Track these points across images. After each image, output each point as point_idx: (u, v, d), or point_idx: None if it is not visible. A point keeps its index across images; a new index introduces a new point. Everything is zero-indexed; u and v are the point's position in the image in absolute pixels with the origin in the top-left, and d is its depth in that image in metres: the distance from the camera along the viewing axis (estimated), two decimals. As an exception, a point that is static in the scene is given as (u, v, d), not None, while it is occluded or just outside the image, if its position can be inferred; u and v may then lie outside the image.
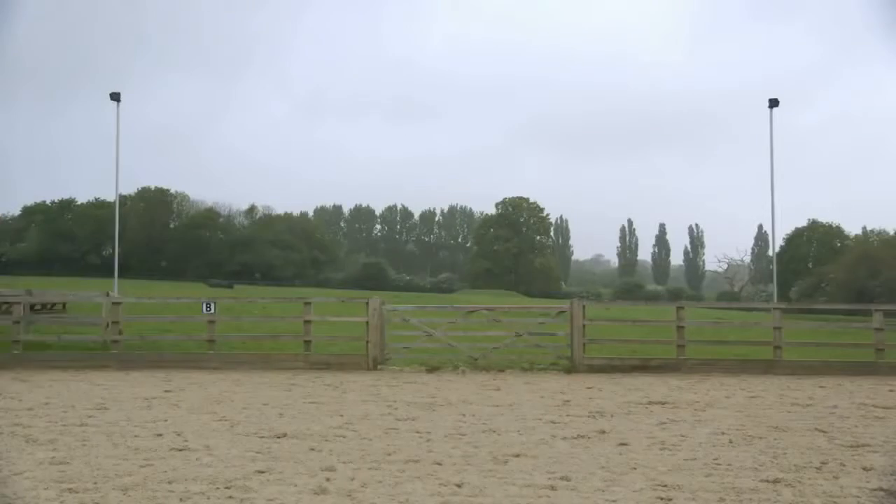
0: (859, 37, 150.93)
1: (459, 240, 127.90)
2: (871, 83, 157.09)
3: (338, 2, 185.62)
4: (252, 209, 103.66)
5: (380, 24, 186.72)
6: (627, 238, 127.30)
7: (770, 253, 62.63)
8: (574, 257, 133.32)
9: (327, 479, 5.90)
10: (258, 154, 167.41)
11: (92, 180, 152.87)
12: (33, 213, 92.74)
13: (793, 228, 79.57)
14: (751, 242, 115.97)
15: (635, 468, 6.40)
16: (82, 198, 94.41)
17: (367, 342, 14.23)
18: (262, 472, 6.14)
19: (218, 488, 5.64)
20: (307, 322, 14.52)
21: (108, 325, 15.53)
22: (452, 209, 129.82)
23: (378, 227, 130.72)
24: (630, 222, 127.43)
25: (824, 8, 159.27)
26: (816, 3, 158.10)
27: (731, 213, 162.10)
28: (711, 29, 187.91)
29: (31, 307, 19.14)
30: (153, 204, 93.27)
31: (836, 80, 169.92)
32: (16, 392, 10.86)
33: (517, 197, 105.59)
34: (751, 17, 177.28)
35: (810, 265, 74.25)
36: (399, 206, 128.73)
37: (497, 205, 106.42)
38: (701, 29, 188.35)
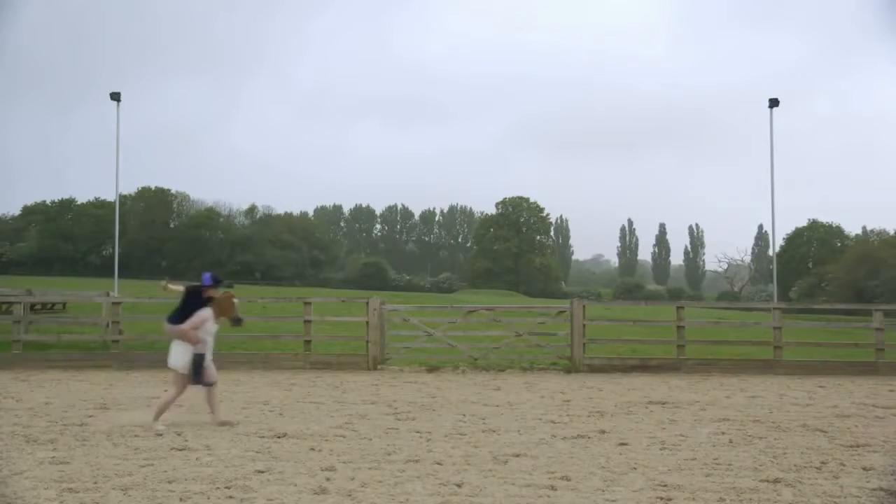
0: (860, 36, 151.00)
1: (459, 240, 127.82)
2: (873, 82, 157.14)
3: (339, 4, 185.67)
4: (252, 209, 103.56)
5: (381, 24, 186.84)
6: (627, 238, 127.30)
7: (770, 253, 62.62)
8: (574, 257, 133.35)
9: (327, 479, 5.90)
10: (259, 154, 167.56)
11: (92, 180, 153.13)
12: (33, 213, 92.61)
13: (793, 228, 79.74)
14: (751, 242, 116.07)
15: (635, 468, 6.40)
16: (82, 198, 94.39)
17: (367, 342, 14.23)
18: (262, 472, 6.14)
19: (218, 488, 5.64)
20: (307, 322, 14.53)
21: (108, 325, 15.53)
22: (452, 209, 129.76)
23: (378, 227, 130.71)
24: (630, 222, 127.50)
25: (825, 7, 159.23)
26: (817, 3, 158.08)
27: (731, 213, 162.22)
28: (712, 28, 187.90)
29: (31, 307, 19.14)
30: (153, 204, 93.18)
31: (837, 80, 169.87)
32: (16, 392, 10.86)
33: (517, 196, 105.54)
34: (752, 17, 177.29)
35: (810, 265, 74.30)
36: (399, 206, 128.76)
37: (497, 204, 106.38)
38: (702, 28, 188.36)
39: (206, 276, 8.49)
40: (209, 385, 8.27)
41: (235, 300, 8.76)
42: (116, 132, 25.03)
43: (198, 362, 8.07)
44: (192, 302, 8.32)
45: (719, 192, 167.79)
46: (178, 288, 8.55)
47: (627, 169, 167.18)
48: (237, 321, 8.85)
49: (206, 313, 8.18)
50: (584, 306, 14.46)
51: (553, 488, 5.72)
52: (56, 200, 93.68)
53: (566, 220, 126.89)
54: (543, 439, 7.64)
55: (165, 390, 8.70)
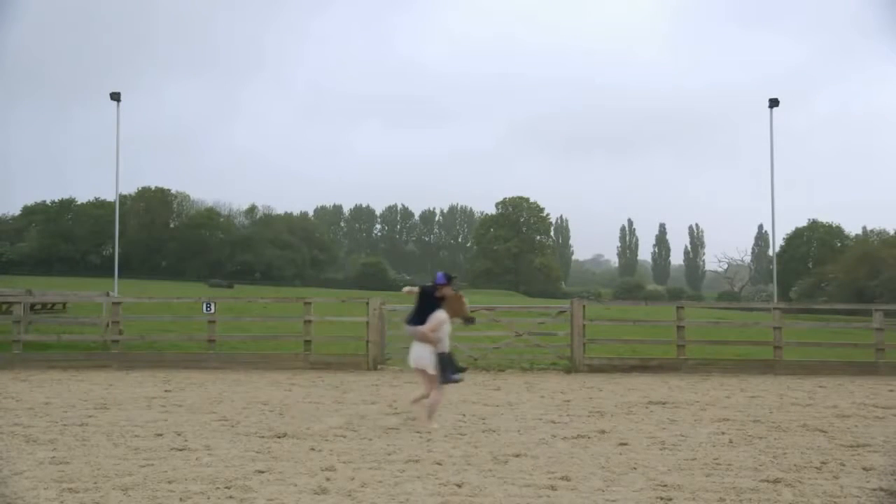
0: (859, 37, 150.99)
1: (459, 240, 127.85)
2: (873, 82, 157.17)
3: (340, 5, 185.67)
4: (252, 209, 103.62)
5: (382, 25, 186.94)
6: (627, 238, 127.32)
7: (770, 253, 62.64)
8: (574, 257, 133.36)
9: (327, 479, 5.89)
10: (259, 154, 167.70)
11: (92, 180, 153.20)
12: (33, 213, 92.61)
13: (793, 228, 79.76)
14: (751, 242, 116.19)
15: (635, 468, 6.40)
16: (82, 198, 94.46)
17: (367, 342, 14.22)
18: (262, 472, 6.14)
19: (218, 488, 5.63)
20: (307, 322, 14.52)
21: (108, 325, 15.52)
22: (452, 209, 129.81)
23: (378, 227, 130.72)
24: (630, 222, 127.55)
25: (824, 8, 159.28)
26: (817, 3, 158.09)
27: (731, 213, 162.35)
28: (713, 29, 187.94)
29: (31, 307, 19.13)
30: (153, 204, 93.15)
31: (837, 80, 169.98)
32: (16, 392, 10.86)
33: (517, 196, 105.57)
34: (752, 18, 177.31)
35: (810, 265, 74.26)
36: (399, 206, 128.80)
37: (497, 204, 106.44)
38: (702, 29, 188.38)
39: (440, 274, 8.61)
40: (453, 382, 8.49)
41: (465, 299, 9.01)
42: (116, 132, 25.06)
43: (444, 361, 8.26)
44: (426, 302, 8.44)
45: (719, 192, 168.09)
46: (415, 290, 8.68)
47: (627, 169, 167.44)
48: (469, 320, 9.23)
49: (442, 315, 8.31)
50: (584, 306, 14.45)
51: (553, 488, 5.72)
52: (56, 200, 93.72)
53: (566, 220, 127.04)
54: (543, 439, 7.64)
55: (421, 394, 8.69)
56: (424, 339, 8.21)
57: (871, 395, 11.18)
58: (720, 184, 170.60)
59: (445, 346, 8.31)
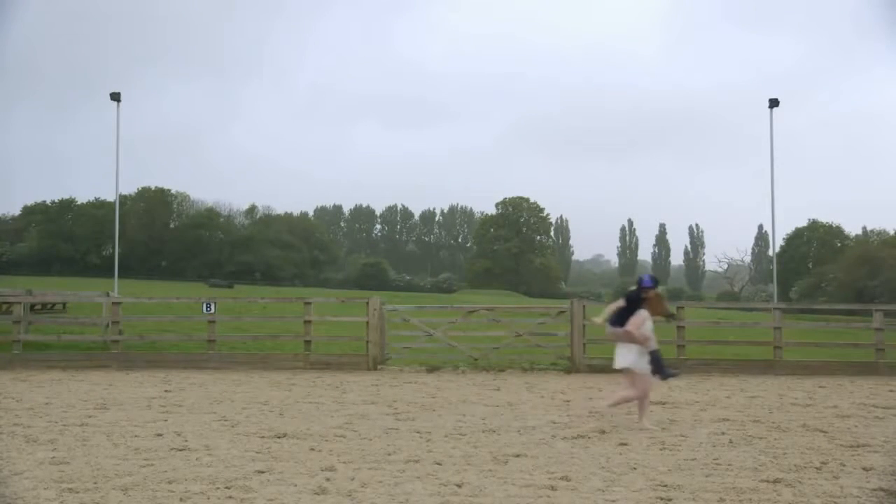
0: (859, 37, 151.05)
1: (459, 240, 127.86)
2: (872, 82, 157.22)
3: (340, 5, 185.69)
4: (252, 209, 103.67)
5: (382, 25, 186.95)
6: (627, 238, 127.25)
7: (770, 253, 62.65)
8: (574, 257, 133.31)
9: (327, 479, 5.89)
10: (259, 154, 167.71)
11: (92, 180, 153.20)
12: (33, 213, 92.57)
13: (793, 228, 79.77)
14: (751, 242, 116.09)
15: (635, 468, 6.39)
16: (82, 198, 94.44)
17: (367, 342, 14.22)
18: (262, 472, 6.13)
19: (218, 488, 5.63)
20: (307, 322, 14.52)
21: (108, 325, 15.51)
22: (452, 209, 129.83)
23: (378, 227, 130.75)
24: (630, 222, 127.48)
25: (823, 8, 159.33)
26: (817, 3, 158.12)
27: (731, 214, 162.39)
28: (712, 29, 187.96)
29: (31, 307, 19.12)
30: (153, 204, 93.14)
31: (837, 80, 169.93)
32: (16, 392, 10.86)
33: (517, 197, 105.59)
34: (752, 18, 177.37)
35: (810, 265, 74.28)
36: (399, 206, 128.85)
37: (497, 205, 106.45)
38: (702, 29, 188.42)
39: (647, 277, 8.64)
40: (672, 377, 8.63)
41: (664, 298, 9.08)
42: (116, 132, 25.05)
43: (656, 357, 8.34)
44: (631, 306, 8.42)
45: (719, 191, 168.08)
46: (613, 308, 8.65)
47: (627, 169, 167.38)
48: (671, 316, 9.47)
49: (644, 313, 8.32)
50: (584, 306, 14.44)
51: (553, 488, 5.72)
52: (56, 200, 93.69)
53: (566, 220, 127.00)
54: (543, 439, 7.64)
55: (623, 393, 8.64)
56: (630, 338, 8.20)
57: (871, 395, 11.18)
58: (720, 184, 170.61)
59: (654, 343, 8.34)
